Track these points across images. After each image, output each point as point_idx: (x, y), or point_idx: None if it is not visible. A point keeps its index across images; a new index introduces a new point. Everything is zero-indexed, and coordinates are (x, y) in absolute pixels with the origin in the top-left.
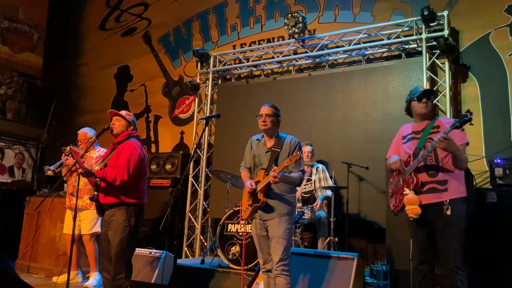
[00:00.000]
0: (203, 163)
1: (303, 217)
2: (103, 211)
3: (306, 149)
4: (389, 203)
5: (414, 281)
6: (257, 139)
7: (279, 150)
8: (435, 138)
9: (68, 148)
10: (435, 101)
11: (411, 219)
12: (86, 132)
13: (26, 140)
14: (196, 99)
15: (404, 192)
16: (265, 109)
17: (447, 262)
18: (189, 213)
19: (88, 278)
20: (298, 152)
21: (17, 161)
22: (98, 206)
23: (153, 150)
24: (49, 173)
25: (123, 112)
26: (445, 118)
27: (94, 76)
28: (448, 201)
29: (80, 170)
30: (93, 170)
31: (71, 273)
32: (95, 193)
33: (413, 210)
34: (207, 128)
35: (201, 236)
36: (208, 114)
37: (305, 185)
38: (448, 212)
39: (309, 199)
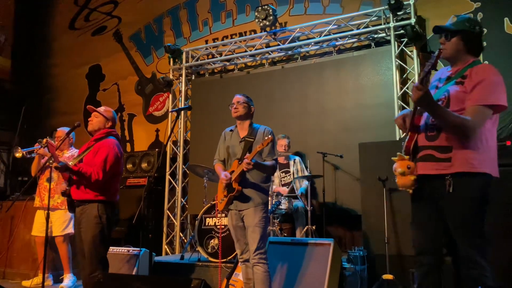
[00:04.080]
0: (180, 160)
1: (280, 207)
2: (74, 208)
3: (283, 142)
4: None
5: (416, 277)
6: (230, 130)
7: (252, 140)
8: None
9: (44, 140)
10: (404, 88)
11: (410, 192)
12: (65, 131)
13: None
14: (170, 96)
15: (393, 158)
16: (235, 98)
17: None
18: (167, 211)
19: (61, 280)
20: (269, 136)
21: None
22: (69, 202)
23: (128, 149)
24: (18, 154)
25: (101, 108)
26: (483, 69)
27: (65, 77)
28: (450, 175)
29: (54, 164)
30: (69, 164)
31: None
32: (67, 188)
33: (401, 180)
34: (181, 123)
35: (180, 233)
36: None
37: (283, 177)
38: (450, 190)
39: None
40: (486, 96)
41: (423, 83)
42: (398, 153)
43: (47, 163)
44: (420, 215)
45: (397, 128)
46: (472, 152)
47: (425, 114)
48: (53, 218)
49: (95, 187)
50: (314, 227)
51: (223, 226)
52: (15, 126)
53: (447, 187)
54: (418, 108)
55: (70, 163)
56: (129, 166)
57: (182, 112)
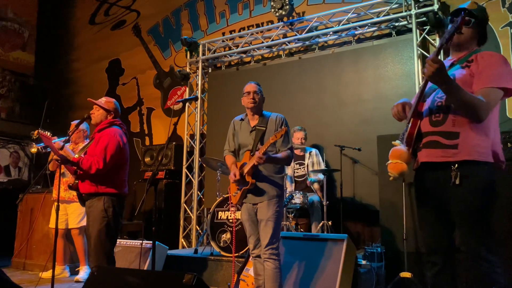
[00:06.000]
0: (196, 153)
1: (295, 201)
2: (84, 201)
3: (300, 134)
4: None
5: (428, 278)
6: (240, 119)
7: (264, 128)
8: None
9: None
10: None
11: (390, 178)
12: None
13: (21, 139)
14: (187, 89)
15: (393, 142)
16: (252, 86)
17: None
18: (184, 204)
19: (77, 272)
20: (283, 127)
21: (13, 160)
22: (79, 196)
23: (147, 142)
24: (33, 150)
25: (102, 100)
26: (490, 53)
27: (86, 71)
28: (456, 165)
29: (54, 157)
30: (69, 157)
31: (59, 268)
32: (75, 181)
33: (392, 165)
34: (198, 117)
35: (197, 227)
36: (198, 104)
37: (297, 169)
38: (457, 181)
39: (301, 183)
40: (497, 79)
41: (438, 55)
42: (399, 141)
43: (55, 156)
44: (426, 214)
45: None
46: (479, 139)
47: (429, 100)
48: (69, 210)
49: (99, 178)
50: (330, 223)
51: (235, 220)
52: (38, 120)
53: (453, 179)
54: (426, 90)
55: (75, 156)
56: (147, 159)
57: (199, 105)
